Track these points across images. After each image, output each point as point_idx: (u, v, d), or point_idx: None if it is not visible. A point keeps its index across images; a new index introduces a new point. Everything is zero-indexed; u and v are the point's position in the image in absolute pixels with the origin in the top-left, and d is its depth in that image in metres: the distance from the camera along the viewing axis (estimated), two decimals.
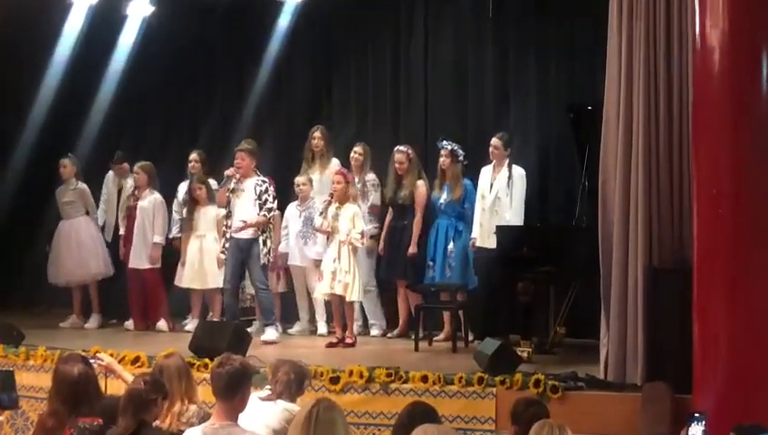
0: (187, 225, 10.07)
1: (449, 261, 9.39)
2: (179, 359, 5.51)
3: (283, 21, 10.86)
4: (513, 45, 10.16)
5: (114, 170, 10.71)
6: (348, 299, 9.06)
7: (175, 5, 10.98)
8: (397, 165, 9.57)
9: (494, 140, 9.21)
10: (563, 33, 9.90)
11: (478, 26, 10.30)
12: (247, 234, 9.18)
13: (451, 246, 9.40)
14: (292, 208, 9.90)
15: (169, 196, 10.40)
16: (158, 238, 10.14)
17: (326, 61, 11.20)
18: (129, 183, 10.47)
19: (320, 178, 9.89)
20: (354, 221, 9.08)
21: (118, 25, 11.00)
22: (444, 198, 9.47)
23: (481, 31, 10.29)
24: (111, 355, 7.61)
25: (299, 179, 9.84)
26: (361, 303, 9.57)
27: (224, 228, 9.43)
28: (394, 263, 9.63)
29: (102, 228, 10.70)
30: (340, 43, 11.12)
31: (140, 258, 10.13)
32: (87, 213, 10.57)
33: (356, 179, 9.70)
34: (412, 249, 9.50)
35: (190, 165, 10.30)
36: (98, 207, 10.71)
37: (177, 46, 11.30)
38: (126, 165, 10.59)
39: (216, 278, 9.83)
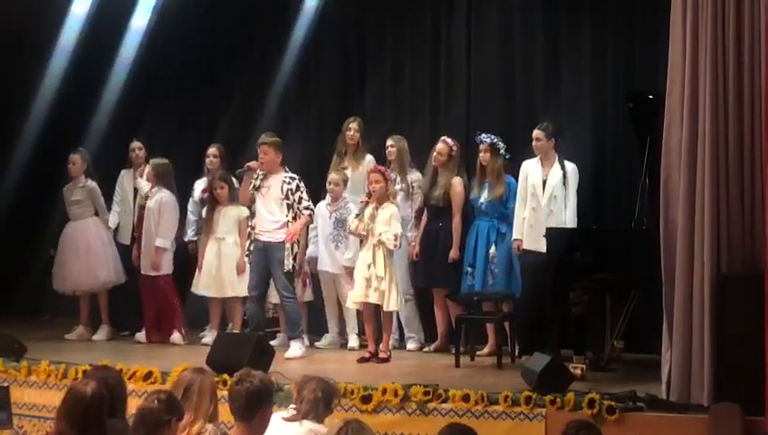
0: (206, 226, 10.10)
1: (491, 267, 9.37)
2: (210, 375, 5.50)
3: (311, 2, 10.87)
4: (565, 27, 10.11)
5: (132, 164, 10.70)
6: (385, 308, 9.06)
7: None
8: (435, 154, 9.55)
9: (536, 132, 9.20)
10: (621, 13, 9.84)
11: (527, 5, 10.26)
12: (275, 237, 9.19)
13: (493, 250, 9.37)
14: (323, 208, 9.90)
15: (186, 195, 10.45)
16: (161, 242, 10.09)
17: (358, 46, 11.21)
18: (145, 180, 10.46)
19: (351, 176, 9.90)
20: (390, 222, 9.08)
21: (129, 7, 11.07)
22: (484, 196, 9.45)
23: (530, 11, 10.24)
24: (121, 370, 7.70)
25: (332, 177, 9.83)
26: (398, 313, 9.57)
27: (249, 230, 9.43)
28: (431, 270, 9.60)
29: (115, 231, 10.73)
30: (374, 26, 11.12)
31: (149, 264, 10.17)
32: (96, 214, 10.62)
33: (397, 178, 9.71)
34: (454, 253, 9.48)
35: (208, 160, 10.34)
36: (109, 208, 10.74)
37: (193, 30, 11.37)
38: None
39: (234, 286, 9.88)
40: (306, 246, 9.97)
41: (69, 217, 10.60)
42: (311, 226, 9.88)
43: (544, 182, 9.17)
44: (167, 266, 10.16)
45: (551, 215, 9.07)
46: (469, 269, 9.42)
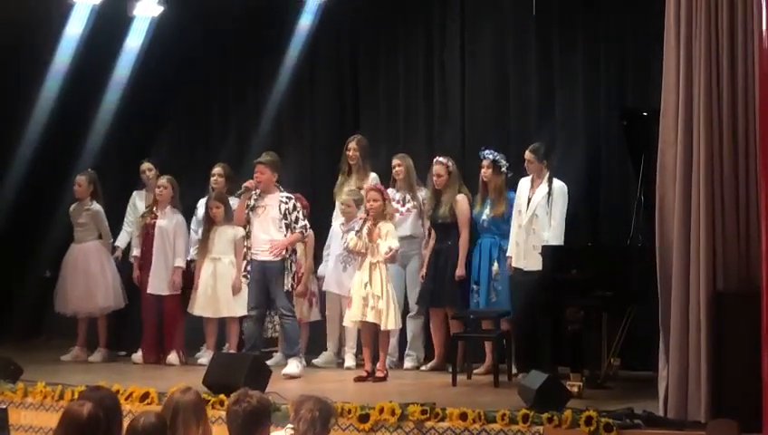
0: (202, 246, 10.10)
1: (494, 284, 9.37)
2: (195, 395, 5.41)
3: (305, 22, 10.92)
4: (558, 45, 10.14)
5: (145, 185, 10.68)
6: (383, 328, 9.07)
7: (186, 5, 11.07)
8: (434, 178, 9.56)
9: (527, 153, 9.22)
10: (614, 31, 9.87)
11: (520, 25, 10.30)
12: (273, 256, 9.19)
13: (496, 267, 9.38)
14: (336, 228, 9.94)
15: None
16: (180, 262, 10.16)
17: (352, 65, 11.25)
18: None
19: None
20: (386, 238, 9.09)
21: (123, 28, 11.10)
22: (486, 213, 9.46)
23: (523, 30, 10.27)
24: (118, 391, 7.68)
25: (344, 199, 9.84)
26: (403, 329, 9.59)
27: (245, 250, 9.43)
28: (439, 289, 9.57)
29: (126, 251, 10.70)
30: (368, 45, 11.17)
31: (160, 284, 10.15)
32: (100, 237, 10.60)
33: (407, 196, 9.72)
34: (459, 271, 9.48)
35: (213, 179, 10.34)
36: (119, 229, 10.68)
37: (187, 51, 11.43)
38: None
39: (230, 306, 9.88)
40: (314, 266, 10.01)
41: (74, 238, 10.59)
42: (325, 244, 9.92)
43: (529, 201, 9.19)
44: (178, 286, 10.18)
45: (533, 234, 9.09)
46: (475, 287, 9.43)
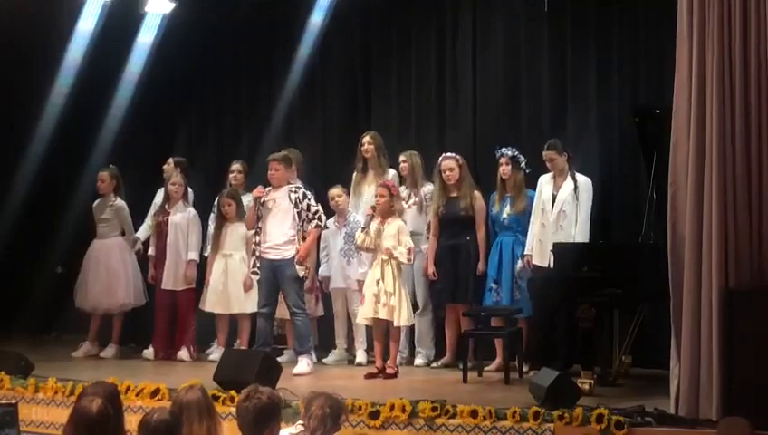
0: (214, 243, 10.12)
1: (519, 282, 9.33)
2: (199, 393, 5.44)
3: (316, 18, 10.92)
4: (571, 42, 10.11)
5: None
6: (396, 324, 9.07)
7: (197, 1, 11.08)
8: (447, 172, 9.50)
9: (547, 153, 9.11)
10: (627, 28, 9.85)
11: (532, 21, 10.28)
12: (283, 253, 9.19)
13: (519, 264, 9.35)
14: (331, 225, 9.91)
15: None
16: (194, 255, 10.17)
17: (364, 62, 11.24)
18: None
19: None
20: (399, 238, 9.07)
21: (135, 24, 11.13)
22: (507, 211, 9.43)
23: (535, 26, 10.26)
24: (129, 387, 7.70)
25: (333, 192, 9.86)
26: (411, 327, 9.57)
27: (254, 246, 9.44)
28: (454, 285, 9.51)
29: (147, 243, 10.70)
30: (380, 42, 11.15)
31: (175, 279, 10.17)
32: (123, 233, 10.61)
33: (411, 193, 9.72)
34: (482, 266, 9.43)
35: (232, 175, 10.36)
36: (139, 223, 10.70)
37: (199, 47, 11.43)
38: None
39: (241, 303, 9.89)
40: (318, 263, 9.99)
41: (96, 234, 10.60)
42: (321, 245, 9.89)
43: (554, 197, 9.15)
44: (190, 280, 10.19)
45: (560, 230, 9.03)
46: (494, 286, 9.38)
